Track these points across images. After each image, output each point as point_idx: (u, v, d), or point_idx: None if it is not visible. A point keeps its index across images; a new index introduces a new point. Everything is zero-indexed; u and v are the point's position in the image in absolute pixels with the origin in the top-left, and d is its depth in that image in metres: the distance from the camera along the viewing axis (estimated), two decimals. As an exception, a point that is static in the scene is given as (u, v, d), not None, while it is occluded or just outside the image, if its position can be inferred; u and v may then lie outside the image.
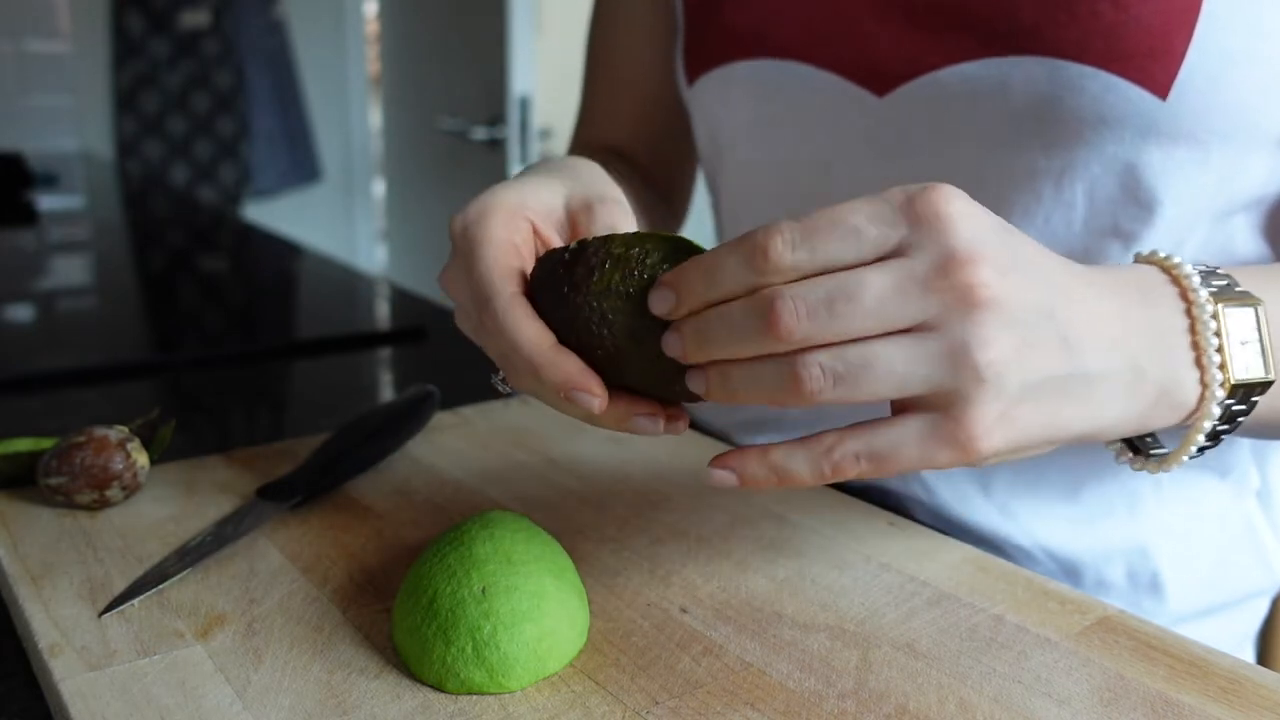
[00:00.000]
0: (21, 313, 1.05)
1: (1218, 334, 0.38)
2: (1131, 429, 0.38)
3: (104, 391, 0.77)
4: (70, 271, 1.28)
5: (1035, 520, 0.58)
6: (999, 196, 0.51)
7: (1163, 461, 0.40)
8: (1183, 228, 0.52)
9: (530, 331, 0.37)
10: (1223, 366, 0.38)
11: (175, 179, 2.81)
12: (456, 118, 2.28)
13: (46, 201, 1.81)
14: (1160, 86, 0.47)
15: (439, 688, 0.38)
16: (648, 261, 0.36)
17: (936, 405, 0.34)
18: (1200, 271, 0.39)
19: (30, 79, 2.62)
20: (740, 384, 0.35)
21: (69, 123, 2.69)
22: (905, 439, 0.34)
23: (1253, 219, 0.53)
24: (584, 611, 0.41)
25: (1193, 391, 0.38)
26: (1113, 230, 0.51)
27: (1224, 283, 0.39)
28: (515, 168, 2.13)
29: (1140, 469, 0.41)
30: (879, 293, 0.32)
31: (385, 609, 0.43)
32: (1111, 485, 0.57)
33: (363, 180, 3.24)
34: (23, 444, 0.55)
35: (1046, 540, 0.58)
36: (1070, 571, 0.58)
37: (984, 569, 0.48)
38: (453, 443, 0.62)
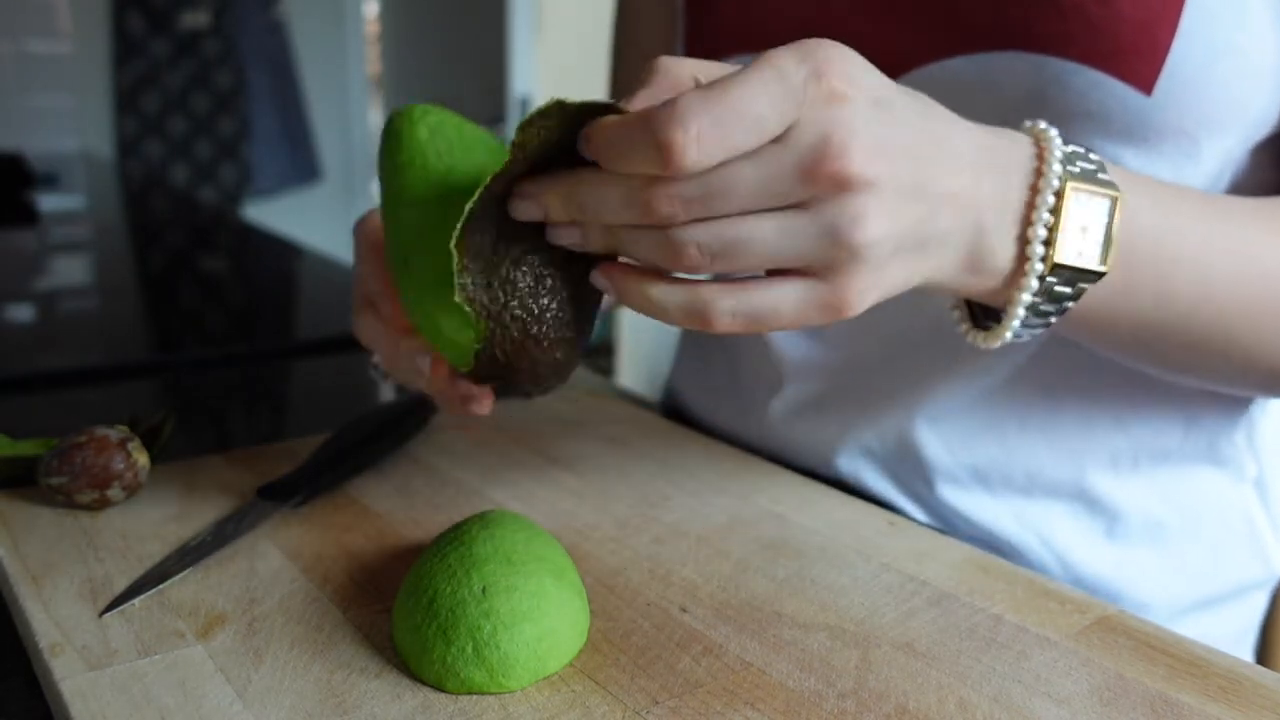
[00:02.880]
0: (21, 313, 1.05)
1: (1053, 212, 0.40)
2: (960, 282, 0.41)
3: (104, 391, 0.77)
4: (70, 271, 1.28)
5: (1035, 513, 0.58)
6: None
7: (990, 334, 0.43)
8: None
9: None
10: (1048, 244, 0.40)
11: (175, 179, 2.81)
12: (456, 118, 2.28)
13: (47, 201, 1.81)
14: (1145, 82, 0.47)
15: (439, 687, 0.38)
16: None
17: (813, 273, 0.36)
18: (1067, 153, 0.41)
19: (30, 79, 2.62)
20: (623, 243, 0.37)
21: (69, 123, 2.69)
22: (782, 301, 0.36)
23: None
24: (584, 611, 0.41)
25: (1008, 262, 0.40)
26: None
27: (1091, 167, 0.41)
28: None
29: (973, 340, 0.44)
30: (755, 186, 0.34)
31: (385, 609, 0.43)
32: (1109, 471, 0.58)
33: (363, 180, 3.24)
34: (27, 445, 0.55)
35: (1045, 532, 0.58)
36: (1066, 563, 0.58)
37: (984, 569, 0.48)
38: (453, 443, 0.62)
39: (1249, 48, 0.47)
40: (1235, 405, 0.58)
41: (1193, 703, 0.38)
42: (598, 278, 0.39)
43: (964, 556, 0.49)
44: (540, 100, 2.22)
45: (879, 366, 0.60)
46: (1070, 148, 0.41)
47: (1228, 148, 0.50)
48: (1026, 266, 0.40)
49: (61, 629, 0.41)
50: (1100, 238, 0.41)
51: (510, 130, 2.15)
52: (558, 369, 0.40)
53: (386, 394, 0.82)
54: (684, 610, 0.44)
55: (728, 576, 0.47)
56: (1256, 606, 0.63)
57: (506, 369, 0.39)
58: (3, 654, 0.43)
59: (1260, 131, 0.50)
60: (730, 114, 0.32)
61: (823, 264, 0.36)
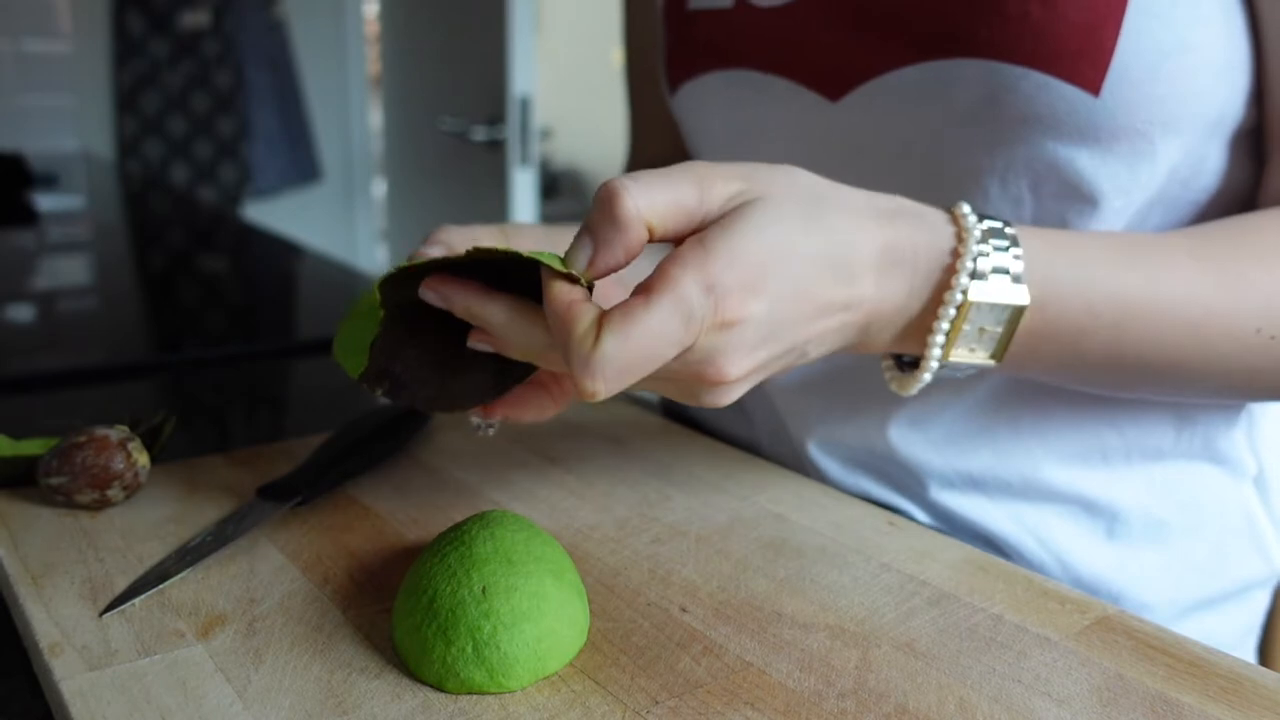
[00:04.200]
0: (21, 313, 1.05)
1: (953, 320, 0.43)
2: (846, 352, 0.44)
3: (104, 391, 0.77)
4: (70, 271, 1.28)
5: (1033, 515, 0.58)
6: (949, 196, 0.52)
7: (910, 382, 0.46)
8: (1133, 218, 0.52)
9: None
10: (945, 346, 0.43)
11: (175, 179, 2.81)
12: (456, 118, 2.28)
13: (46, 201, 1.81)
14: (1091, 84, 0.47)
15: (439, 688, 0.38)
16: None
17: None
18: (982, 250, 0.42)
19: (30, 79, 2.62)
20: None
21: (69, 123, 2.69)
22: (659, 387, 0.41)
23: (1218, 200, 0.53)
24: (584, 611, 0.41)
25: (911, 349, 0.44)
26: (1061, 224, 0.52)
27: (1003, 264, 0.42)
28: (515, 168, 2.13)
29: (895, 388, 0.47)
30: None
31: (385, 609, 0.43)
32: (1105, 472, 0.58)
33: (363, 180, 3.24)
34: (27, 445, 0.55)
35: (1044, 534, 0.58)
36: (1065, 564, 0.58)
37: (984, 569, 0.48)
38: (453, 443, 0.62)
39: (1199, 44, 0.47)
40: (1230, 404, 0.58)
41: (1193, 703, 0.38)
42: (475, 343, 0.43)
43: (964, 556, 0.49)
44: (540, 100, 2.22)
45: (857, 373, 0.60)
46: (990, 245, 0.42)
47: (1186, 146, 0.50)
48: (922, 364, 0.44)
49: (61, 629, 0.41)
50: (996, 338, 0.44)
51: (511, 130, 2.14)
52: (424, 382, 0.44)
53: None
54: (684, 610, 0.44)
55: (728, 576, 0.47)
56: (1259, 605, 0.63)
57: (390, 356, 0.43)
58: (3, 654, 0.43)
59: (1227, 127, 0.50)
60: (638, 360, 0.35)
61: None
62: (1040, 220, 0.52)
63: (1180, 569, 0.59)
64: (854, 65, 0.54)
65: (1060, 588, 0.46)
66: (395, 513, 0.52)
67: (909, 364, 0.47)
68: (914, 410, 0.58)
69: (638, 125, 0.81)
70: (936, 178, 0.53)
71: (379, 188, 3.17)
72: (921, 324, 0.43)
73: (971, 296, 0.42)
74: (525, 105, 2.12)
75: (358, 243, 3.24)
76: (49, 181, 1.96)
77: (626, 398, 0.73)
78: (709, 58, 0.61)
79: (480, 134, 2.20)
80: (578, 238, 0.38)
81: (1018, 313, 0.43)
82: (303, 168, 3.01)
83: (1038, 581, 0.47)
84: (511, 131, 2.13)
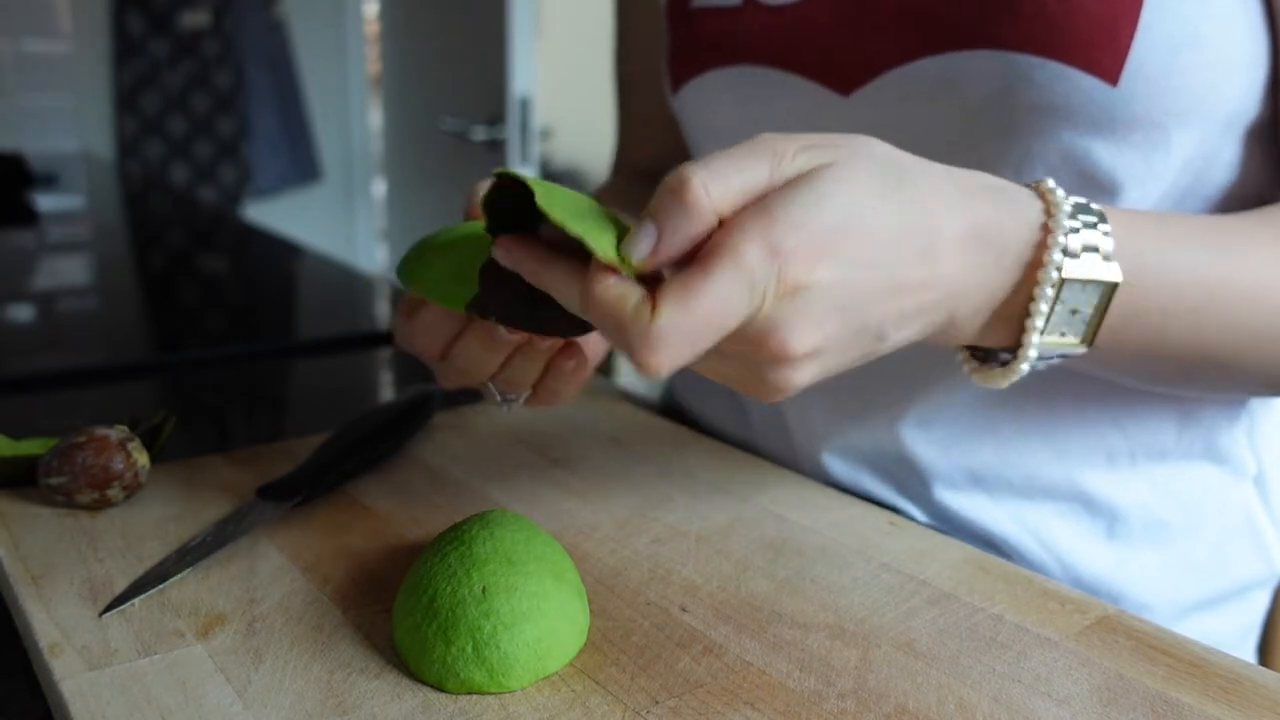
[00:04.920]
0: (21, 313, 1.05)
1: (1050, 301, 0.40)
2: (930, 341, 0.42)
3: (104, 391, 0.77)
4: (70, 271, 1.28)
5: (1034, 515, 0.58)
6: None
7: (1002, 374, 0.43)
8: (1150, 209, 0.52)
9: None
10: (1042, 329, 0.41)
11: (175, 179, 2.81)
12: (456, 118, 2.28)
13: (46, 201, 1.81)
14: (1109, 74, 0.47)
15: (439, 687, 0.38)
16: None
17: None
18: (1072, 227, 0.40)
19: (30, 79, 2.62)
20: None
21: (69, 123, 2.69)
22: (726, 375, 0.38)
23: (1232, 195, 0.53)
24: (584, 611, 0.41)
25: (976, 338, 0.42)
26: None
27: (1093, 242, 0.41)
28: (516, 168, 2.13)
29: (981, 383, 0.44)
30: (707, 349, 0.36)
31: (385, 609, 0.43)
32: (1106, 471, 0.58)
33: (363, 180, 3.24)
34: (27, 445, 0.55)
35: (1044, 534, 0.58)
36: (1065, 564, 0.58)
37: (984, 569, 0.48)
38: (453, 443, 0.62)
39: (1214, 37, 0.47)
40: (1232, 402, 0.58)
41: (1193, 703, 0.38)
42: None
43: (964, 556, 0.49)
44: (540, 100, 2.22)
45: (867, 370, 0.60)
46: (1080, 221, 0.40)
47: (1201, 137, 0.50)
48: (1021, 351, 0.42)
49: (61, 629, 0.41)
50: (1086, 320, 0.42)
51: (511, 130, 2.14)
52: (527, 303, 0.42)
53: (386, 394, 0.82)
54: (684, 610, 0.44)
55: (728, 576, 0.47)
56: (1259, 605, 0.63)
57: (499, 282, 0.42)
58: (3, 654, 0.43)
59: (1242, 120, 0.50)
60: (701, 332, 0.33)
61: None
62: None
63: (1180, 569, 0.59)
64: (865, 59, 0.54)
65: (1060, 588, 0.46)
66: (395, 513, 0.52)
67: (984, 356, 0.45)
68: (923, 409, 0.58)
69: (628, 128, 0.80)
70: None
71: (379, 188, 3.17)
72: (1010, 308, 0.41)
73: (1066, 274, 0.40)
74: (525, 105, 2.12)
75: (358, 243, 3.24)
76: (49, 181, 1.96)
77: (625, 397, 0.73)
78: (714, 55, 0.61)
79: (480, 134, 2.20)
80: (640, 225, 0.35)
81: (1110, 291, 0.41)
82: (303, 168, 3.01)
83: (1038, 581, 0.47)
84: (511, 131, 2.13)
